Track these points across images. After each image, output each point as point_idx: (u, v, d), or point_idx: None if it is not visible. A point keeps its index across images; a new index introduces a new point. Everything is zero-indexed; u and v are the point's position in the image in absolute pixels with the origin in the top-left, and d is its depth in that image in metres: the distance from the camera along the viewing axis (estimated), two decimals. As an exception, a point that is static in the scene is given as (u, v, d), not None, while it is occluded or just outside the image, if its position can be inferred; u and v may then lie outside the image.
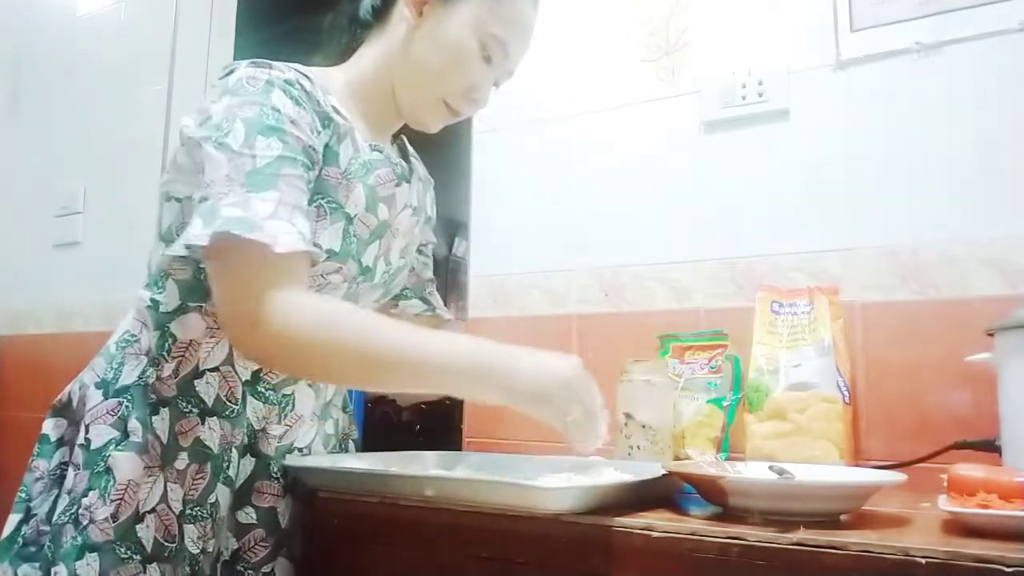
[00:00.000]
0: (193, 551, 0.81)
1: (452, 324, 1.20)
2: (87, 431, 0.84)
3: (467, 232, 1.61)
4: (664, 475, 0.79)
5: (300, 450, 0.92)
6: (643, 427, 1.01)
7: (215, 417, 0.85)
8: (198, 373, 0.85)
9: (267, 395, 0.89)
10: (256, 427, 0.88)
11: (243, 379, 0.87)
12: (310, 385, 0.93)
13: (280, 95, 0.83)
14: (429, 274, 1.17)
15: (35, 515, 0.86)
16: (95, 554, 0.79)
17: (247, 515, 0.87)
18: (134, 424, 0.83)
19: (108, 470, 0.81)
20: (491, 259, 1.54)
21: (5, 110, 2.43)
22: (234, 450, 0.86)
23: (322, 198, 0.86)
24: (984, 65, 1.14)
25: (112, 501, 0.80)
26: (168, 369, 0.85)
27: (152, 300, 0.88)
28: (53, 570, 0.80)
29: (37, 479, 0.87)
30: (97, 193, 2.12)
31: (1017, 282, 1.07)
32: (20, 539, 0.85)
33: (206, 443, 0.84)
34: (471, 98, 0.97)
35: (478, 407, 1.48)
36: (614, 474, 0.84)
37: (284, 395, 0.91)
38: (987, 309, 1.02)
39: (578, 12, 1.51)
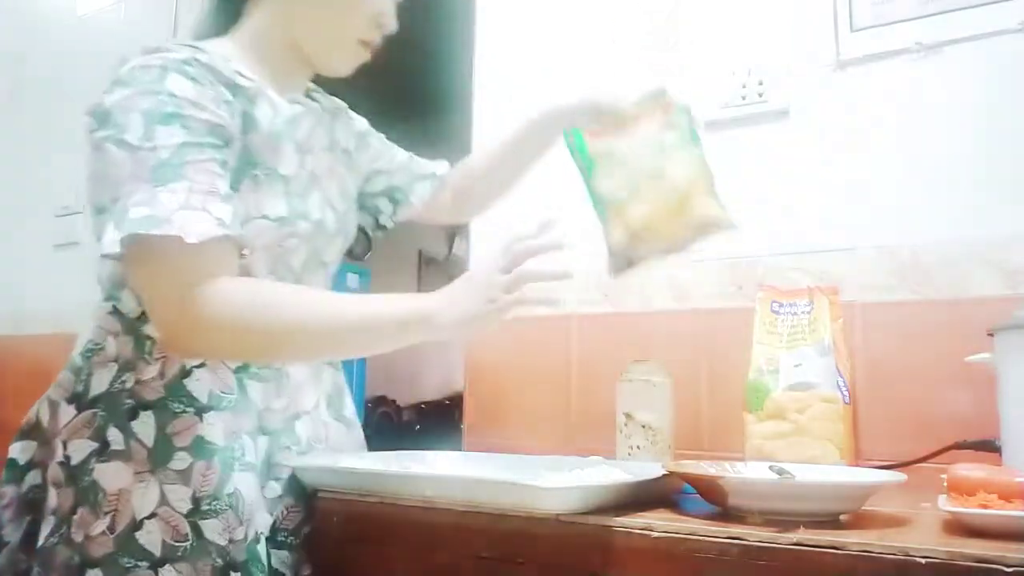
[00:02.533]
0: (220, 543, 0.80)
1: (445, 166, 1.19)
2: (65, 448, 0.82)
3: (467, 232, 1.61)
4: (664, 475, 0.79)
5: (308, 413, 0.94)
6: (643, 427, 1.01)
7: (212, 411, 0.83)
8: (186, 372, 0.84)
9: (262, 373, 0.89)
10: (261, 407, 0.88)
11: (233, 367, 0.86)
12: None
13: (176, 78, 0.79)
14: (402, 156, 1.16)
15: (7, 543, 0.83)
16: (96, 569, 0.77)
17: (272, 490, 0.87)
18: (113, 433, 0.81)
19: (94, 483, 0.79)
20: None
21: (5, 110, 2.43)
22: (245, 436, 0.85)
23: (254, 168, 0.85)
24: (984, 65, 1.14)
25: (106, 513, 0.78)
26: (151, 371, 0.83)
27: (114, 307, 0.87)
28: None
29: (5, 506, 0.85)
30: (97, 193, 2.12)
31: (1017, 282, 1.07)
32: None
33: (208, 439, 0.82)
34: (380, 24, 0.95)
35: (478, 407, 1.48)
36: (614, 474, 0.84)
37: (277, 369, 0.90)
38: (987, 309, 1.02)
39: (578, 12, 1.51)
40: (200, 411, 0.83)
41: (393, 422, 4.07)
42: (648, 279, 1.35)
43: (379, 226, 1.16)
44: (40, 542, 0.81)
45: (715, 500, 0.75)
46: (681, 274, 1.32)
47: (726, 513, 0.72)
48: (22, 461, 0.87)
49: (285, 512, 0.87)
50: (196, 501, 0.81)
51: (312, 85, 1.05)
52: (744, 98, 1.31)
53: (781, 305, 1.09)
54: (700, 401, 1.26)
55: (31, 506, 0.84)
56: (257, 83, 0.89)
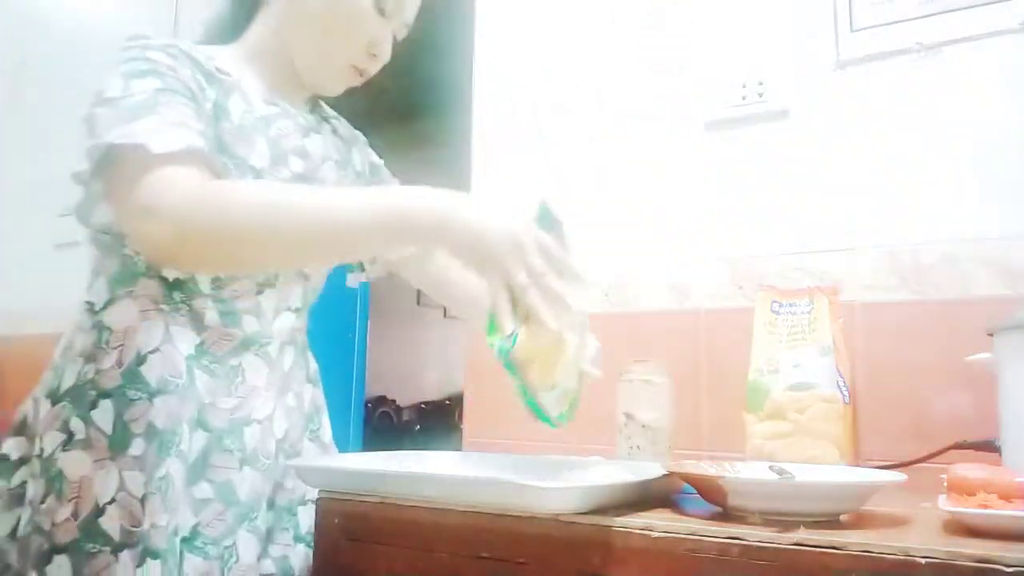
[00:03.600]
0: (144, 527, 0.80)
1: None
2: (41, 441, 0.84)
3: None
4: (664, 475, 0.79)
5: (259, 422, 0.91)
6: (643, 427, 1.01)
7: (161, 395, 0.84)
8: (141, 359, 0.84)
9: (213, 368, 0.88)
10: (205, 400, 0.87)
11: (185, 354, 0.86)
12: (258, 355, 0.92)
13: (156, 52, 0.84)
14: None
15: None
16: (64, 555, 0.79)
17: (203, 490, 0.85)
18: (76, 423, 0.83)
19: (59, 473, 0.81)
20: (491, 259, 1.53)
21: (6, 110, 2.43)
22: (184, 424, 0.84)
23: (224, 156, 0.86)
24: (984, 65, 1.14)
25: (69, 500, 0.80)
26: (109, 360, 0.84)
27: (86, 303, 0.89)
28: None
29: None
30: (97, 193, 2.13)
31: (1017, 282, 1.07)
32: None
33: (153, 422, 0.83)
34: (372, 54, 0.96)
35: (478, 407, 1.48)
36: (614, 474, 0.84)
37: (231, 366, 0.90)
38: (987, 309, 1.02)
39: (578, 12, 1.51)
40: (152, 396, 0.84)
41: (393, 422, 4.07)
42: (648, 279, 1.35)
43: (359, 265, 1.14)
44: (18, 533, 0.83)
45: (715, 500, 0.75)
46: (681, 274, 1.33)
47: (726, 513, 0.72)
48: (13, 457, 0.88)
49: (210, 517, 0.85)
50: (147, 486, 0.81)
51: (331, 112, 1.08)
52: (744, 98, 1.31)
53: (781, 305, 1.09)
54: (700, 401, 1.26)
55: (20, 501, 0.86)
56: (234, 79, 0.91)
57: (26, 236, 2.26)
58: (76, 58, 2.27)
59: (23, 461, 0.88)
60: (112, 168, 0.78)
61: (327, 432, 1.03)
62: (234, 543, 0.86)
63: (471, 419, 1.49)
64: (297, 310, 0.97)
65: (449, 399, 3.96)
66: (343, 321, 2.64)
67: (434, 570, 0.78)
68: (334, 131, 1.06)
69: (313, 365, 1.04)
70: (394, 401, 4.20)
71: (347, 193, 0.80)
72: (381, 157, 1.13)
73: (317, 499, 0.87)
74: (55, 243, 2.19)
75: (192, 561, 0.83)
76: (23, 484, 0.86)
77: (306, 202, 0.79)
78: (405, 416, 4.18)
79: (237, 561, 0.85)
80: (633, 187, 1.40)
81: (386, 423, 3.98)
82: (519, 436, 1.38)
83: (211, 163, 0.80)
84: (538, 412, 0.79)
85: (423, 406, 4.18)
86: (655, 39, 1.42)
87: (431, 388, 4.23)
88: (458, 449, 1.44)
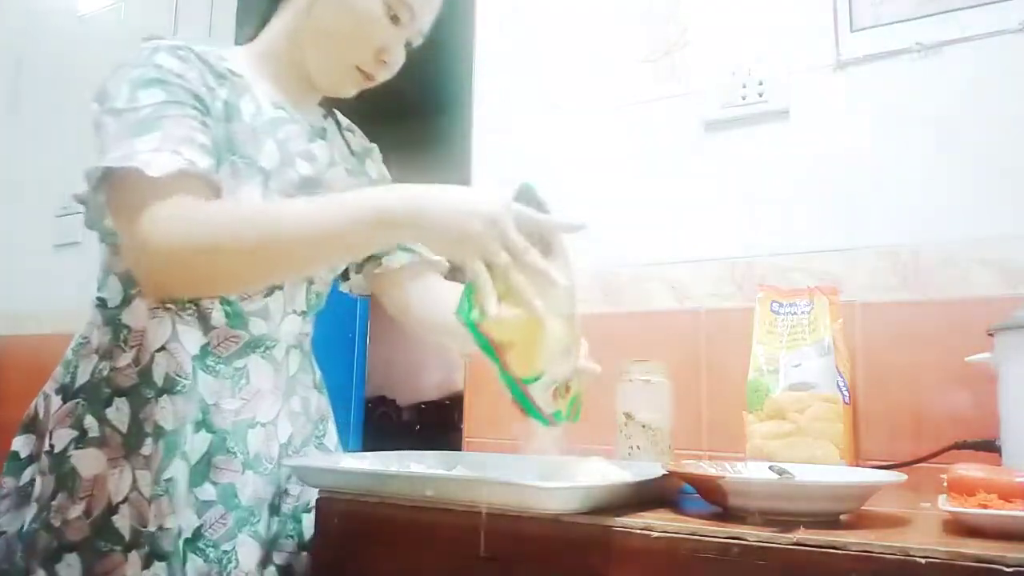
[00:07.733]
0: (151, 529, 0.80)
1: (441, 265, 1.12)
2: (51, 437, 0.84)
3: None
4: (664, 475, 0.79)
5: (263, 425, 0.91)
6: (643, 427, 1.01)
7: (166, 395, 0.84)
8: (151, 357, 0.85)
9: (218, 369, 0.88)
10: (209, 402, 0.87)
11: (192, 354, 0.86)
12: (264, 357, 0.92)
13: (164, 55, 0.84)
14: None
15: (3, 533, 0.85)
16: (74, 553, 0.79)
17: (206, 492, 0.85)
18: (90, 421, 0.83)
19: (72, 470, 0.81)
20: (491, 259, 1.53)
21: (5, 110, 2.43)
22: (189, 425, 0.85)
23: (232, 155, 0.86)
24: (984, 65, 1.14)
25: (81, 499, 0.80)
26: (126, 359, 0.85)
27: (99, 299, 0.90)
28: None
29: (4, 496, 0.87)
30: (97, 193, 2.13)
31: (1017, 282, 1.07)
32: None
33: (159, 423, 0.83)
34: (382, 60, 0.96)
35: (478, 407, 1.48)
36: (614, 474, 0.84)
37: (236, 368, 0.89)
38: (987, 309, 1.02)
39: (578, 12, 1.51)
40: (159, 395, 0.84)
41: (393, 422, 4.07)
42: (648, 279, 1.35)
43: (343, 273, 1.10)
44: (23, 528, 0.83)
45: (715, 500, 0.75)
46: (681, 274, 1.33)
47: (726, 513, 0.72)
48: (23, 454, 0.89)
49: (212, 519, 0.85)
50: (154, 487, 0.81)
51: (347, 121, 1.09)
52: (744, 98, 1.31)
53: (781, 305, 1.09)
54: (700, 401, 1.26)
55: (29, 498, 0.86)
56: (246, 80, 0.92)
57: (26, 236, 2.26)
58: (76, 58, 2.27)
59: (32, 459, 0.88)
60: (111, 190, 0.79)
61: (332, 439, 1.03)
62: (234, 547, 0.85)
63: (471, 419, 1.49)
64: (303, 313, 0.97)
65: (449, 399, 3.95)
66: (343, 321, 2.64)
67: (434, 570, 0.78)
68: (347, 141, 1.07)
69: (318, 373, 1.04)
70: (394, 401, 4.20)
71: (322, 199, 0.79)
72: (387, 155, 1.14)
73: (317, 499, 0.87)
74: (55, 243, 2.19)
75: (194, 562, 0.83)
76: (32, 482, 0.86)
77: (283, 213, 0.78)
78: (405, 416, 4.17)
79: (237, 566, 0.85)
80: (633, 187, 1.40)
81: (386, 423, 3.98)
82: (519, 436, 1.38)
83: (208, 181, 0.79)
84: (525, 404, 0.77)
85: (423, 406, 4.17)
86: (655, 39, 1.42)
87: (431, 388, 4.22)
88: (458, 449, 1.44)
